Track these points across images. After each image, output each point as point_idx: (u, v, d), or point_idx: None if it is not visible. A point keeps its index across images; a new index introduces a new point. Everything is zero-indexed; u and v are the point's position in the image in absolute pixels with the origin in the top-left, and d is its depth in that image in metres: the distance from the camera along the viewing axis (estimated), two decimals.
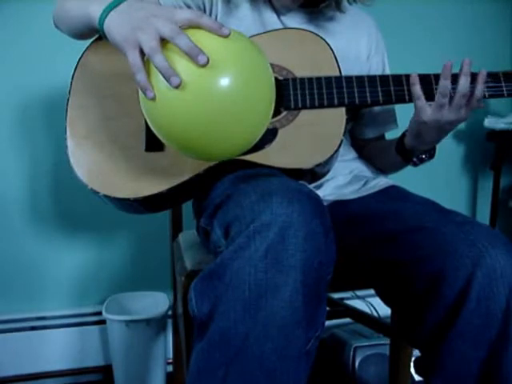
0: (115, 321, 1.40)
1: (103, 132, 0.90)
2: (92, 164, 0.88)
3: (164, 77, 0.65)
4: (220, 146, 0.72)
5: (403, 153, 0.97)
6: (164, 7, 0.75)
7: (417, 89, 0.86)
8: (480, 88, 0.84)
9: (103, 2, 0.76)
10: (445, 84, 0.83)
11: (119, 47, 0.72)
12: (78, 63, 0.94)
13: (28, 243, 1.51)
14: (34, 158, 1.48)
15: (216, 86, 0.66)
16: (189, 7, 0.94)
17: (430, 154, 0.97)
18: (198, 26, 0.69)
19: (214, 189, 0.87)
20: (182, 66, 0.66)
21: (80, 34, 0.90)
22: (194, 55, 0.65)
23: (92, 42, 0.94)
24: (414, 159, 0.97)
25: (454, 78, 0.83)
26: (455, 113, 0.85)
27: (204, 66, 0.65)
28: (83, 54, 0.94)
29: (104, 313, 1.41)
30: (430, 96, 0.87)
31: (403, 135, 0.96)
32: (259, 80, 0.70)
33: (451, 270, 0.72)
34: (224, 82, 0.66)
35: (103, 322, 1.49)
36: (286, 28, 0.97)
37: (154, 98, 0.68)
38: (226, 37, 0.68)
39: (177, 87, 0.65)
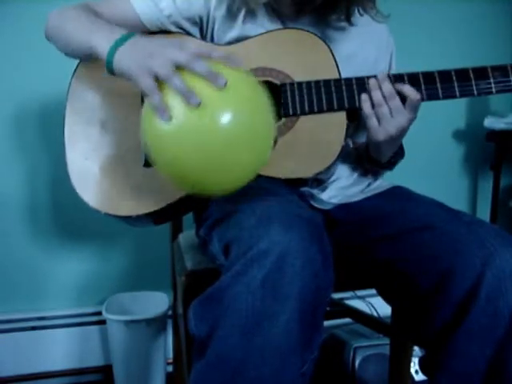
0: (115, 321, 1.40)
1: (102, 149, 0.89)
2: (93, 183, 0.88)
3: (184, 97, 0.67)
4: (224, 176, 0.71)
5: (371, 161, 0.98)
6: (172, 39, 0.78)
7: (367, 107, 0.86)
8: (407, 87, 0.84)
9: (107, 36, 0.79)
10: (376, 95, 0.85)
11: (131, 76, 0.74)
12: (72, 76, 0.93)
13: (28, 244, 1.51)
14: (35, 160, 1.48)
15: (235, 107, 0.68)
16: (181, 27, 0.92)
17: (401, 155, 0.97)
18: (207, 58, 0.72)
19: (214, 201, 0.87)
20: (199, 89, 0.67)
21: (74, 56, 0.91)
22: (213, 78, 0.67)
23: None
24: (392, 160, 0.97)
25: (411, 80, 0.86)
26: (401, 117, 0.85)
27: (222, 88, 0.67)
28: (78, 66, 0.93)
29: (104, 313, 1.41)
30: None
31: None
32: (264, 110, 0.72)
33: (460, 269, 0.73)
34: (242, 102, 0.69)
35: (103, 322, 1.49)
36: (284, 28, 0.94)
37: (169, 120, 0.68)
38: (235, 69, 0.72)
39: (197, 106, 0.66)
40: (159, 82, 0.71)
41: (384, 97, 0.85)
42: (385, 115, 0.85)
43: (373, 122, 0.86)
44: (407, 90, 0.84)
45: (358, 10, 0.93)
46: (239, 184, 0.73)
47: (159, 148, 0.71)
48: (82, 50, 0.85)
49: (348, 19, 0.94)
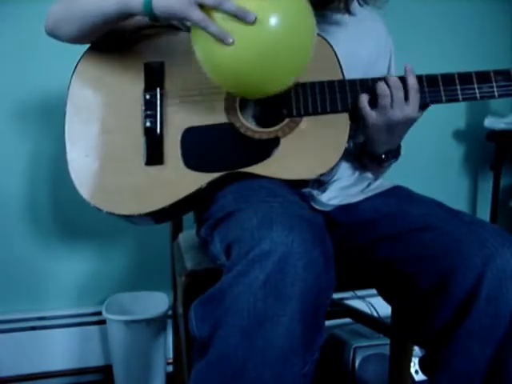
0: (115, 321, 1.40)
1: (103, 148, 0.89)
2: (94, 181, 0.88)
3: (239, 16, 0.68)
4: (282, 76, 0.77)
5: (368, 155, 0.98)
6: None
7: (364, 101, 0.87)
8: (412, 78, 0.85)
9: None
10: (382, 87, 0.86)
11: (177, 14, 0.74)
12: (73, 74, 0.92)
13: (28, 243, 1.51)
14: (35, 158, 1.48)
15: (284, 12, 0.71)
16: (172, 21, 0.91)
17: (393, 155, 0.98)
18: None
19: (216, 200, 0.87)
20: (248, 6, 0.69)
21: (94, 29, 0.88)
22: None
23: (86, 51, 0.93)
24: (383, 156, 0.97)
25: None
26: (399, 111, 0.85)
27: None
28: (77, 65, 0.93)
29: (104, 313, 1.42)
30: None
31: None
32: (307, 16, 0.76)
33: (461, 269, 0.73)
34: (290, 6, 0.73)
35: (103, 322, 1.49)
36: None
37: (232, 42, 0.70)
38: None
39: (254, 22, 0.68)
40: (205, 10, 0.72)
41: (389, 86, 0.85)
42: (385, 106, 0.85)
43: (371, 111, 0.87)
44: (409, 70, 0.85)
45: (358, 1, 0.94)
46: (288, 83, 0.78)
47: (227, 71, 0.74)
48: (109, 12, 0.83)
49: (347, 9, 0.94)
